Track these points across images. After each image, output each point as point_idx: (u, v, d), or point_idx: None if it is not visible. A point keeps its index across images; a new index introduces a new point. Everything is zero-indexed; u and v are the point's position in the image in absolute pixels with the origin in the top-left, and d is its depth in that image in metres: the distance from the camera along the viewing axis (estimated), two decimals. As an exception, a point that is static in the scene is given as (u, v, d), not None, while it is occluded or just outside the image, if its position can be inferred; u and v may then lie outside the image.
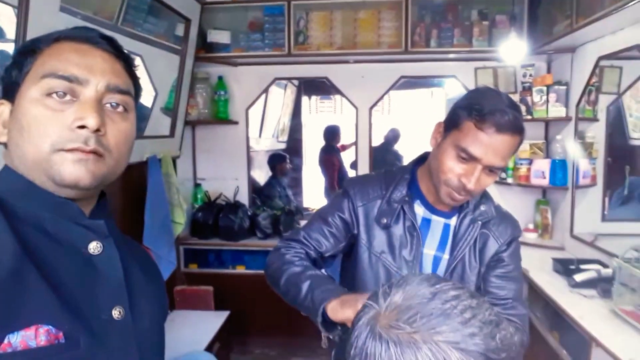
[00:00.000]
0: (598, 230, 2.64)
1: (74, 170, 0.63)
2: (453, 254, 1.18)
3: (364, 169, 3.22)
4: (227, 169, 3.25)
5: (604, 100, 2.65)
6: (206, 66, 3.11)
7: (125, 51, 0.72)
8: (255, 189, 3.68)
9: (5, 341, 0.54)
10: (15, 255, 0.59)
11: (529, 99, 2.75)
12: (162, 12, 2.50)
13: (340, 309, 0.95)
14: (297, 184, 5.20)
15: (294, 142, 5.56)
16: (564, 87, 2.65)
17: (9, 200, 0.63)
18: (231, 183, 3.24)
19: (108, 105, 0.67)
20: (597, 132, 2.66)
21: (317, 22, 2.96)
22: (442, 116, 1.31)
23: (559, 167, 2.68)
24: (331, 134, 5.22)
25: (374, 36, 2.93)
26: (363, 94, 3.13)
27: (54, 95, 0.63)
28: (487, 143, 1.02)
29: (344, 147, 5.39)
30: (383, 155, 4.83)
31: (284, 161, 4.44)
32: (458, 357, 0.56)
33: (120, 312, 0.67)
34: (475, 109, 1.02)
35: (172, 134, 2.81)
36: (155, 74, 2.70)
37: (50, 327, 0.58)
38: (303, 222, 3.18)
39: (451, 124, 1.09)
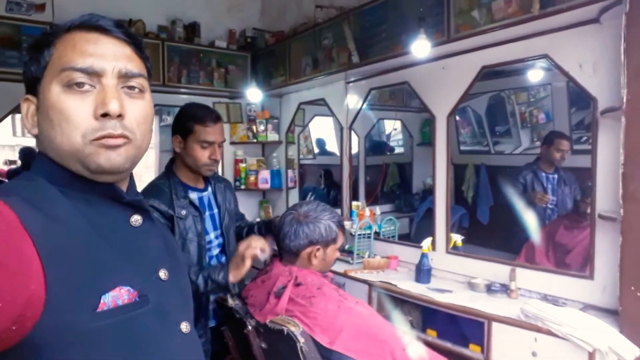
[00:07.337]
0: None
1: (109, 157, 0.66)
2: (220, 207, 1.90)
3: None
4: None
5: (296, 131, 4.04)
6: None
7: (133, 33, 0.73)
8: None
9: (102, 301, 0.61)
10: (87, 230, 0.64)
11: (254, 127, 3.86)
12: None
13: (234, 276, 1.52)
14: None
15: None
16: (277, 121, 3.88)
17: (56, 186, 0.67)
18: None
19: (125, 88, 0.69)
20: (294, 152, 4.01)
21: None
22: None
23: (276, 175, 3.88)
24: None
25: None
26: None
27: (74, 86, 0.65)
28: (212, 131, 1.74)
29: None
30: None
31: None
32: (333, 224, 1.56)
33: (165, 273, 0.74)
34: (196, 116, 1.73)
35: None
36: None
37: (129, 287, 0.65)
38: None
39: (186, 132, 1.73)
